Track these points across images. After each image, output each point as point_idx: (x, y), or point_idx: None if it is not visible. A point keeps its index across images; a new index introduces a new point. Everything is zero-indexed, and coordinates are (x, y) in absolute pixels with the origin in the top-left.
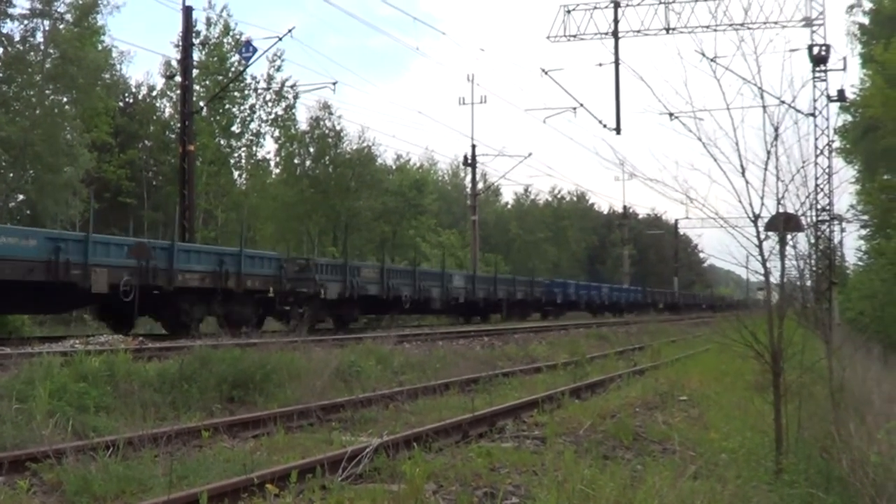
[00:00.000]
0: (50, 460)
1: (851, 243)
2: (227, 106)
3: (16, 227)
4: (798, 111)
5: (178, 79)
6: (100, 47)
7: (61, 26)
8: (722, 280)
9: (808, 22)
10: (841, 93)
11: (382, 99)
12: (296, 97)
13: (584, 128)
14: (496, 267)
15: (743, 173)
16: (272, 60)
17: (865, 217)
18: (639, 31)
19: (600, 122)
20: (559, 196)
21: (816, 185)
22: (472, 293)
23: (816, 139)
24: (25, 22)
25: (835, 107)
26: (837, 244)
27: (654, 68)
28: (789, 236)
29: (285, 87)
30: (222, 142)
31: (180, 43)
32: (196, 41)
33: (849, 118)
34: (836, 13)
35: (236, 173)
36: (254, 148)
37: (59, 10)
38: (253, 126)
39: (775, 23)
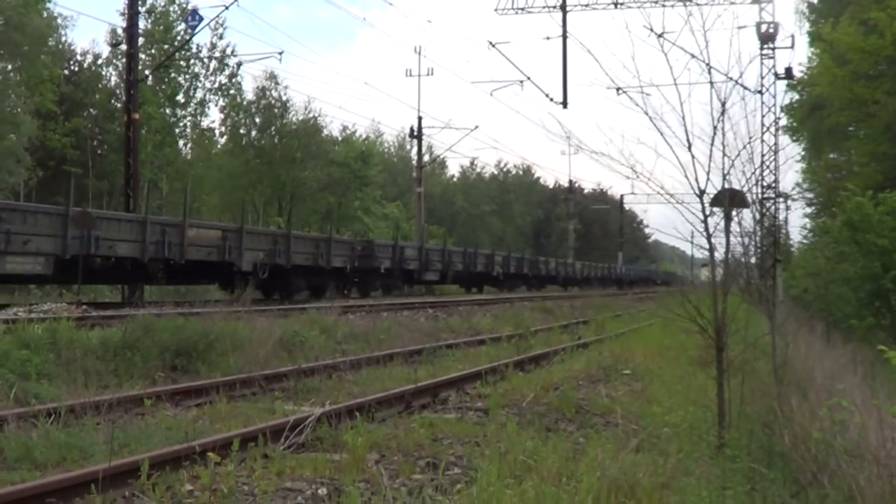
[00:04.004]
0: None
1: (796, 221)
2: (172, 75)
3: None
4: (745, 88)
5: (124, 47)
6: (45, 14)
7: None
8: (667, 256)
9: None
10: (788, 70)
11: (329, 70)
12: (239, 64)
13: (531, 101)
14: (444, 240)
15: (689, 148)
16: (215, 28)
17: (810, 195)
18: (587, 5)
19: (547, 95)
20: (505, 169)
21: (762, 162)
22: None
23: (763, 116)
24: None
25: (782, 84)
26: (782, 221)
27: (602, 42)
28: (734, 212)
29: (226, 54)
30: (167, 111)
31: (126, 11)
32: (142, 9)
33: (795, 96)
34: None
35: (181, 143)
36: (199, 117)
37: None
38: (198, 95)
39: None
